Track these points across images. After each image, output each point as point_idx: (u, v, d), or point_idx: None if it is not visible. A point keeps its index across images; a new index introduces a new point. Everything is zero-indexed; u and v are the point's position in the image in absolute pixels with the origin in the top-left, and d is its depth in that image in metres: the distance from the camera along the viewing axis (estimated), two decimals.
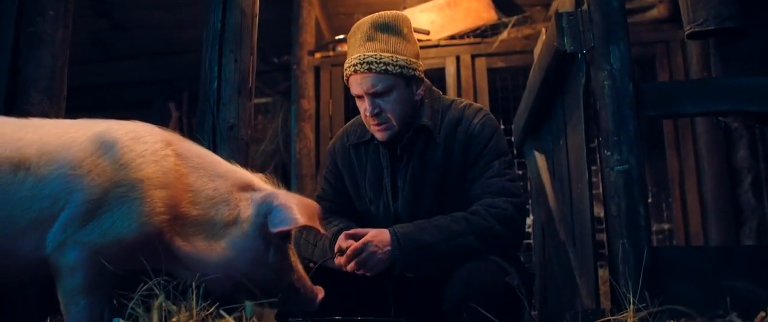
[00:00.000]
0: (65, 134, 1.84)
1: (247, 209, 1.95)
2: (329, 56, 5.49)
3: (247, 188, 2.01)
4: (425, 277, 2.28)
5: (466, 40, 5.34)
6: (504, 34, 5.30)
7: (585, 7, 2.54)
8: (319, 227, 2.04)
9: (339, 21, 6.02)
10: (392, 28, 2.38)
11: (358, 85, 2.35)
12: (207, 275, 1.85)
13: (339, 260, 2.22)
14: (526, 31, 5.32)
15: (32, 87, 2.56)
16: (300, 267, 2.10)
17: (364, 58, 2.31)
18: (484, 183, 2.35)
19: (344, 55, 5.32)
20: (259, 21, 2.85)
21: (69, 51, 2.74)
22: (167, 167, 1.85)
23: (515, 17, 5.41)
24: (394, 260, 2.19)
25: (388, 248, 2.19)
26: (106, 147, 1.81)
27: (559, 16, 2.59)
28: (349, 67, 2.36)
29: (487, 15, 5.40)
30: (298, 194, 2.07)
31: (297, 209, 1.93)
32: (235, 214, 1.94)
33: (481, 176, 2.36)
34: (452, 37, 5.37)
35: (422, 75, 2.44)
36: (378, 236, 2.20)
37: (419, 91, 2.43)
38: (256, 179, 2.08)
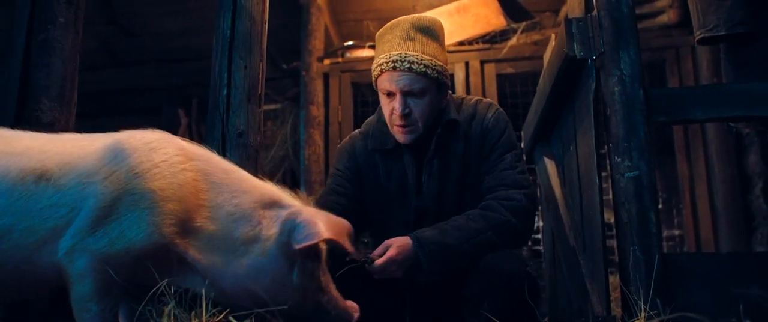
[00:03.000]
0: (87, 145, 1.85)
1: (270, 227, 1.90)
2: (338, 63, 5.49)
3: (274, 204, 1.96)
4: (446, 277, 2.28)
5: (476, 46, 5.34)
6: (513, 40, 5.30)
7: (595, 12, 2.53)
8: (347, 245, 1.94)
9: (348, 27, 6.03)
10: (431, 33, 2.39)
11: (393, 82, 2.33)
12: (225, 292, 1.84)
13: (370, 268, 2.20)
14: (536, 37, 5.31)
15: (43, 93, 2.57)
16: (332, 288, 2.03)
17: (405, 56, 2.31)
18: (497, 175, 2.38)
19: (353, 61, 5.41)
20: (269, 27, 2.85)
21: (79, 58, 2.75)
22: (183, 181, 1.83)
23: (524, 23, 5.40)
24: (421, 266, 2.19)
25: (412, 255, 2.18)
26: (123, 155, 1.81)
27: (568, 21, 2.58)
28: (386, 62, 2.34)
29: (496, 21, 5.40)
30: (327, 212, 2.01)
31: (323, 224, 1.87)
32: (257, 232, 1.89)
33: (494, 168, 2.40)
34: (461, 43, 5.36)
35: (449, 84, 2.46)
36: (401, 247, 2.19)
37: (444, 99, 2.44)
38: (285, 196, 2.02)
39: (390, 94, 2.37)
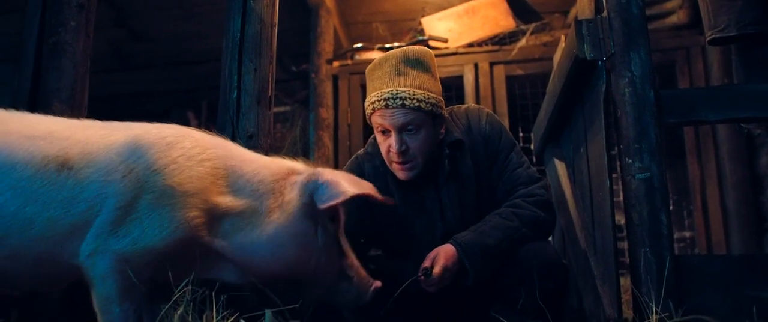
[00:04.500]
0: (107, 136, 1.84)
1: (290, 192, 1.93)
2: (347, 65, 5.50)
3: (292, 173, 1.99)
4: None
5: (485, 48, 5.33)
6: (522, 42, 5.29)
7: (605, 14, 2.52)
8: (376, 194, 1.98)
9: (357, 30, 6.04)
10: (422, 65, 2.34)
11: (387, 119, 2.29)
12: (257, 270, 1.85)
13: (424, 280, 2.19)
14: (545, 38, 5.30)
15: (54, 96, 2.59)
16: (352, 254, 2.06)
17: (396, 93, 2.26)
18: (510, 176, 2.40)
19: (363, 63, 5.41)
20: (278, 30, 2.86)
21: (90, 61, 2.76)
22: (202, 172, 1.83)
23: (533, 24, 5.39)
24: (466, 271, 2.20)
25: (455, 260, 2.19)
26: (140, 152, 1.80)
27: (578, 23, 2.57)
28: (378, 100, 2.29)
29: (506, 22, 5.39)
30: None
31: (345, 182, 1.90)
32: (280, 201, 1.91)
33: (505, 170, 2.42)
34: (470, 45, 5.36)
35: (445, 114, 2.44)
36: (448, 255, 2.19)
37: (441, 130, 2.41)
38: (299, 165, 2.06)
39: (385, 132, 2.33)
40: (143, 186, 1.75)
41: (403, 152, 2.30)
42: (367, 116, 2.41)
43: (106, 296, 1.73)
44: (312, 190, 1.91)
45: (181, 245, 1.77)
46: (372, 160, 2.53)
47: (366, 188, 1.96)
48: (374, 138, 2.56)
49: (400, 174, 2.37)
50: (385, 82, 2.31)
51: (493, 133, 2.45)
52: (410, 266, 2.28)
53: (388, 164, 2.40)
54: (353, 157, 2.65)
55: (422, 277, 2.16)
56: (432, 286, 2.17)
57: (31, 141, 1.76)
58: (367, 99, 2.37)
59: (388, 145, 2.33)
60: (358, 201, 2.45)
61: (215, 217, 1.83)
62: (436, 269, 2.14)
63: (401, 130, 2.29)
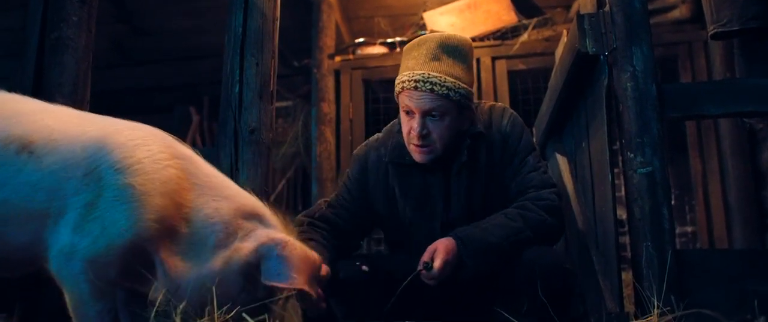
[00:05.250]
0: (76, 127, 1.80)
1: (245, 243, 1.83)
2: (349, 59, 5.49)
3: (253, 217, 1.90)
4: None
5: (487, 43, 5.33)
6: (524, 36, 5.28)
7: (607, 8, 2.52)
8: (312, 292, 1.87)
9: (359, 24, 6.03)
10: (459, 54, 2.34)
11: (413, 101, 2.29)
12: (180, 295, 1.77)
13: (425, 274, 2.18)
14: (547, 33, 5.29)
15: (56, 91, 2.59)
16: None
17: (427, 77, 2.26)
18: (524, 179, 2.39)
19: (365, 58, 5.41)
20: (280, 25, 2.86)
21: (92, 56, 2.76)
22: (166, 177, 1.78)
23: (535, 19, 5.38)
24: (463, 264, 2.19)
25: (455, 253, 2.18)
26: (106, 149, 1.76)
27: (580, 17, 2.57)
28: (409, 80, 2.29)
29: (508, 17, 5.39)
30: (301, 244, 1.92)
31: (297, 267, 1.80)
32: (230, 242, 1.83)
33: (519, 172, 2.40)
34: (472, 40, 5.33)
35: (473, 106, 2.43)
36: (448, 248, 2.18)
37: (466, 121, 2.41)
38: (266, 211, 1.96)
39: (409, 113, 2.33)
40: (105, 184, 1.72)
41: (423, 136, 2.31)
42: (395, 94, 2.40)
43: (78, 297, 1.71)
44: (263, 256, 1.81)
45: (140, 247, 1.73)
46: (378, 149, 2.55)
47: (311, 281, 1.85)
48: (392, 124, 2.59)
49: (417, 156, 2.37)
50: (419, 64, 2.31)
51: (513, 134, 2.44)
52: (405, 259, 2.30)
53: (406, 144, 2.40)
54: (364, 143, 2.66)
55: (423, 271, 2.16)
56: (432, 279, 2.17)
57: None
58: (398, 77, 2.37)
59: (410, 126, 2.33)
60: (363, 188, 2.53)
61: (168, 228, 1.78)
62: (437, 263, 2.14)
63: (425, 114, 2.30)
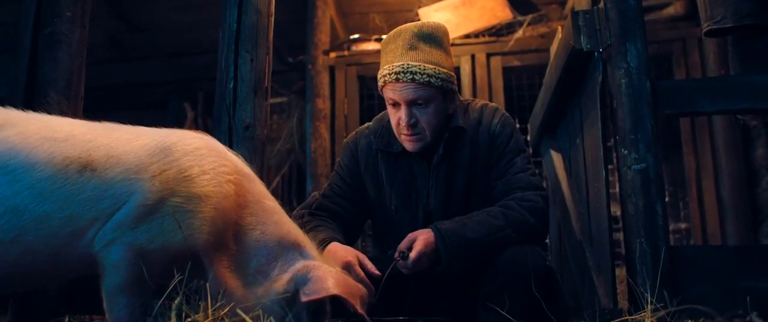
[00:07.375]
0: (135, 140, 1.86)
1: (283, 274, 1.89)
2: (344, 56, 5.49)
3: (294, 246, 1.95)
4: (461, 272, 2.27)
5: (482, 39, 5.33)
6: (519, 33, 5.29)
7: (601, 5, 2.53)
8: (359, 307, 1.88)
9: (354, 20, 6.03)
10: (435, 40, 2.36)
11: (397, 93, 2.32)
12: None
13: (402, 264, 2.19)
14: (542, 29, 5.30)
15: (50, 87, 2.58)
16: None
17: (407, 68, 2.29)
18: (510, 179, 2.38)
19: (359, 54, 5.41)
20: (275, 21, 2.86)
21: (86, 52, 2.76)
22: (227, 192, 1.84)
23: (530, 16, 5.39)
24: (440, 257, 2.19)
25: (433, 246, 2.18)
26: (174, 157, 1.82)
27: (575, 14, 2.58)
28: (389, 74, 2.32)
29: (503, 14, 5.39)
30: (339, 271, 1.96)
31: (332, 280, 1.85)
32: (270, 269, 1.89)
33: (506, 173, 2.40)
34: (467, 36, 5.36)
35: (456, 89, 2.44)
36: (427, 239, 2.18)
37: (452, 104, 2.43)
38: (306, 241, 2.00)
39: (395, 105, 2.37)
40: (172, 189, 1.77)
41: (412, 126, 2.34)
42: (378, 88, 2.43)
43: (115, 286, 1.74)
44: (299, 282, 1.86)
45: (193, 252, 1.78)
46: (368, 136, 2.58)
47: (350, 291, 1.88)
48: (382, 114, 2.61)
49: (408, 145, 2.40)
50: (397, 56, 2.34)
51: (502, 134, 2.44)
52: (387, 249, 2.30)
53: (397, 135, 2.43)
54: (354, 131, 2.68)
55: (399, 259, 2.17)
56: (407, 269, 2.17)
57: (52, 143, 1.78)
58: (379, 71, 2.40)
59: (398, 117, 2.36)
60: (356, 174, 2.56)
61: (221, 241, 1.84)
62: (413, 254, 2.15)
63: (411, 104, 2.33)
